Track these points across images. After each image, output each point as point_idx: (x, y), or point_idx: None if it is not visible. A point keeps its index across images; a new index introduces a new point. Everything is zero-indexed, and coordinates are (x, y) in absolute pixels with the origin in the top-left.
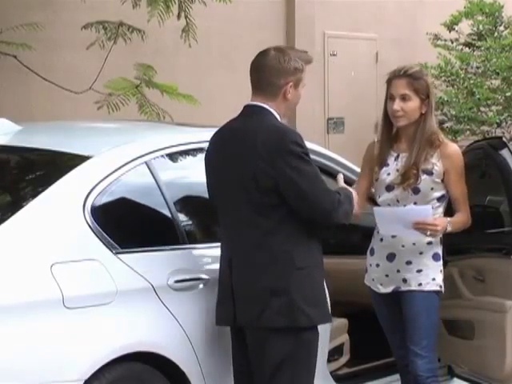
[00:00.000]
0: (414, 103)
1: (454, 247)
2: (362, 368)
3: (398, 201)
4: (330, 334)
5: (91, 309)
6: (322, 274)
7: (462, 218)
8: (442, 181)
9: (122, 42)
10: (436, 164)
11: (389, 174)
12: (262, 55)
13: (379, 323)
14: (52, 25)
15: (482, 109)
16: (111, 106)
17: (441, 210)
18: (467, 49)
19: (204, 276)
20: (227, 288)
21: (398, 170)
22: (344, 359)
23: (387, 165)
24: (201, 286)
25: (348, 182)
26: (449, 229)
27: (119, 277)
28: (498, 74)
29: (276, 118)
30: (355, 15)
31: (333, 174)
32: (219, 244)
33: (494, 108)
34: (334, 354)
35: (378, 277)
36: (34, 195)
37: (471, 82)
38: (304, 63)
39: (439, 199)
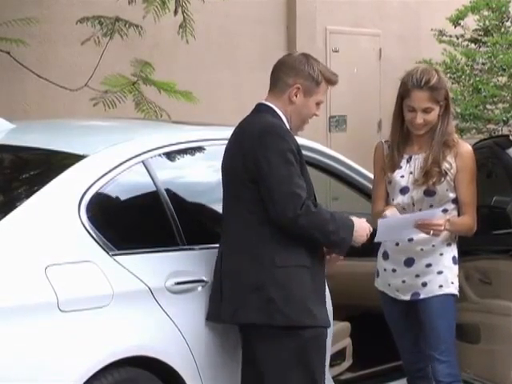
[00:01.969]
0: (435, 112)
1: (459, 249)
2: (365, 373)
3: (413, 204)
4: (331, 338)
5: (87, 312)
6: (308, 274)
7: (464, 221)
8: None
9: (118, 37)
10: (451, 164)
11: (402, 177)
12: (287, 54)
13: (382, 327)
14: (47, 20)
15: (489, 106)
16: (107, 103)
17: (455, 212)
18: (473, 45)
19: (203, 278)
20: (217, 283)
21: (411, 173)
22: (346, 364)
23: (400, 167)
24: (199, 288)
25: (351, 182)
26: (446, 227)
27: (115, 279)
28: (504, 70)
29: (278, 117)
30: (358, 10)
31: (334, 174)
32: (218, 245)
33: (500, 105)
34: (336, 358)
35: (395, 283)
36: (28, 195)
37: (477, 78)
38: (323, 78)
39: (454, 201)
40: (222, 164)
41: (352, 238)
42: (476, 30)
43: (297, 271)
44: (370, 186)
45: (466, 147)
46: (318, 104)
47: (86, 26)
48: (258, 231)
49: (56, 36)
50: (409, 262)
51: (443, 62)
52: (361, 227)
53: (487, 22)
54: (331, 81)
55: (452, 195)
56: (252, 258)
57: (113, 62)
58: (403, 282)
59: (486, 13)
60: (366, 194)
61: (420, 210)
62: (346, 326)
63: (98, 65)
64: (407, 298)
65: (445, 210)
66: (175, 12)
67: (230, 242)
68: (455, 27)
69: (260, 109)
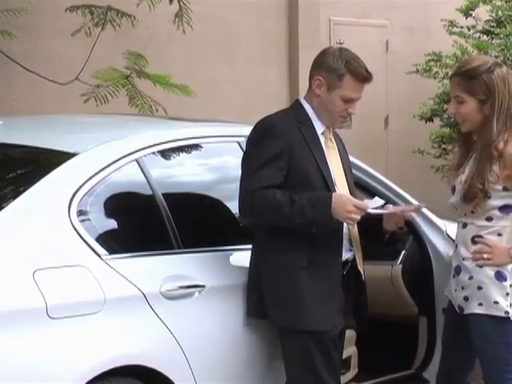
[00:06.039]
0: (468, 105)
1: None
2: (370, 383)
3: (456, 208)
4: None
5: (77, 319)
6: (304, 276)
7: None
8: (506, 188)
9: (110, 28)
10: (497, 173)
11: (461, 183)
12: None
13: (389, 334)
14: (35, 10)
15: None
16: (99, 98)
17: (505, 223)
18: (485, 36)
19: (199, 283)
20: None
21: (464, 172)
22: (351, 373)
23: (463, 172)
24: (196, 293)
25: (357, 182)
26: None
27: (108, 284)
28: None
29: (301, 111)
30: (363, 0)
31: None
32: (215, 248)
33: None
34: (341, 367)
35: (452, 289)
36: (15, 196)
37: None
38: (348, 72)
39: (502, 209)
40: None
41: (330, 213)
42: (488, 20)
43: (287, 272)
44: (379, 187)
45: (509, 148)
46: (346, 101)
47: (76, 16)
48: (257, 228)
49: (44, 27)
50: (457, 271)
51: (454, 55)
52: (339, 202)
53: (500, 13)
54: (359, 76)
55: (496, 203)
56: (254, 255)
57: (105, 55)
58: (455, 290)
59: (498, 3)
60: (373, 195)
61: (465, 214)
62: (351, 334)
63: (89, 57)
64: (456, 308)
65: (489, 218)
66: (170, 1)
67: None
68: (466, 18)
69: (292, 104)
